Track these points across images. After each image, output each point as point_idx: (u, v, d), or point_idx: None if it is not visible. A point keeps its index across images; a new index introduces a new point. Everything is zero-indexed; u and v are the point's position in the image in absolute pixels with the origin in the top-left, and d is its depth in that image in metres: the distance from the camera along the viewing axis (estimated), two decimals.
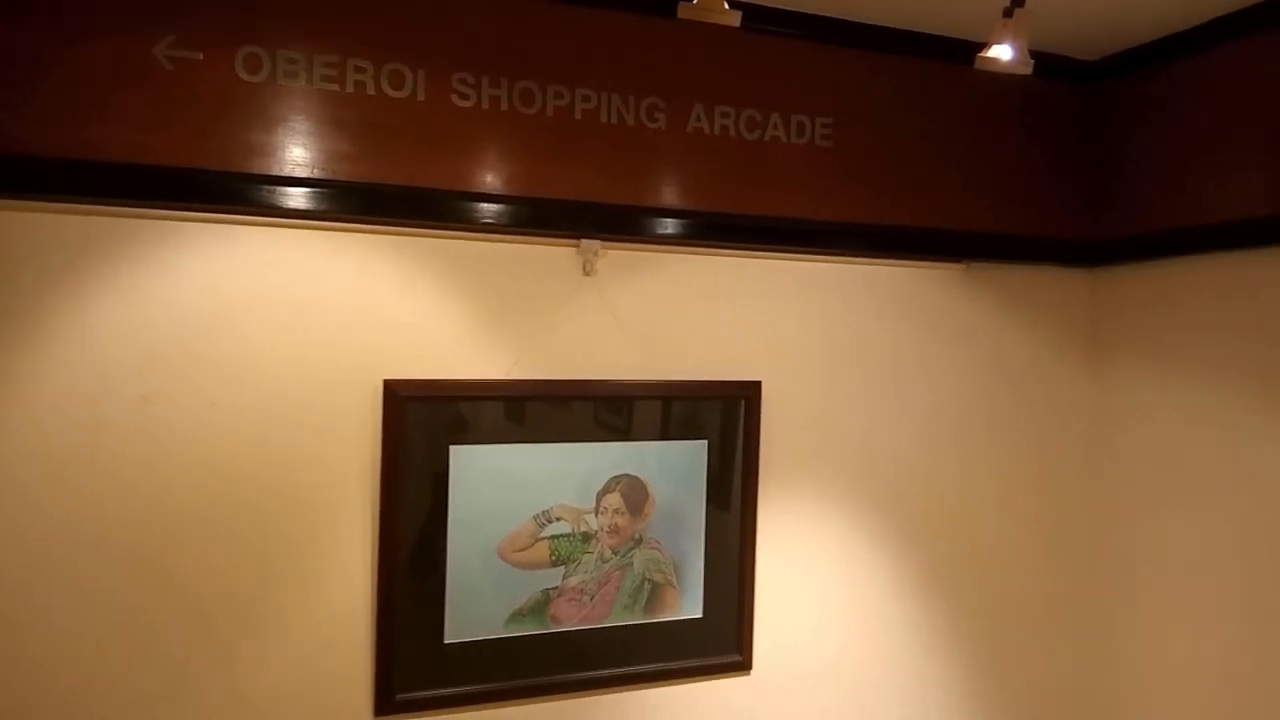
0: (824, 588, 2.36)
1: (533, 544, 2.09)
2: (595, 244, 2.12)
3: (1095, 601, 2.61)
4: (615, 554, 2.16)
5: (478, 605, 2.05)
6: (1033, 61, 1.67)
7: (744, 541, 2.26)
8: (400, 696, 1.98)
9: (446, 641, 2.03)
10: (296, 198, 1.84)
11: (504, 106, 1.99)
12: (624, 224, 2.10)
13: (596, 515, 2.14)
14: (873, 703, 2.40)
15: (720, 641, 2.26)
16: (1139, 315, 2.51)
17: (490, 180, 1.98)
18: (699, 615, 2.24)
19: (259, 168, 1.81)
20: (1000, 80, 2.36)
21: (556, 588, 2.11)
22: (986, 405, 2.53)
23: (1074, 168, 2.50)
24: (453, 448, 2.02)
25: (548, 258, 2.11)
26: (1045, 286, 2.59)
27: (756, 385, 2.27)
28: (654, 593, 2.20)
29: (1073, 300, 2.62)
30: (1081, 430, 2.62)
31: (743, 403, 2.26)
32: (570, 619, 2.13)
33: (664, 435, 2.20)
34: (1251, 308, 2.21)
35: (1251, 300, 2.21)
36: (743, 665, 2.26)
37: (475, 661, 2.05)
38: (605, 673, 2.15)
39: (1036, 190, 2.48)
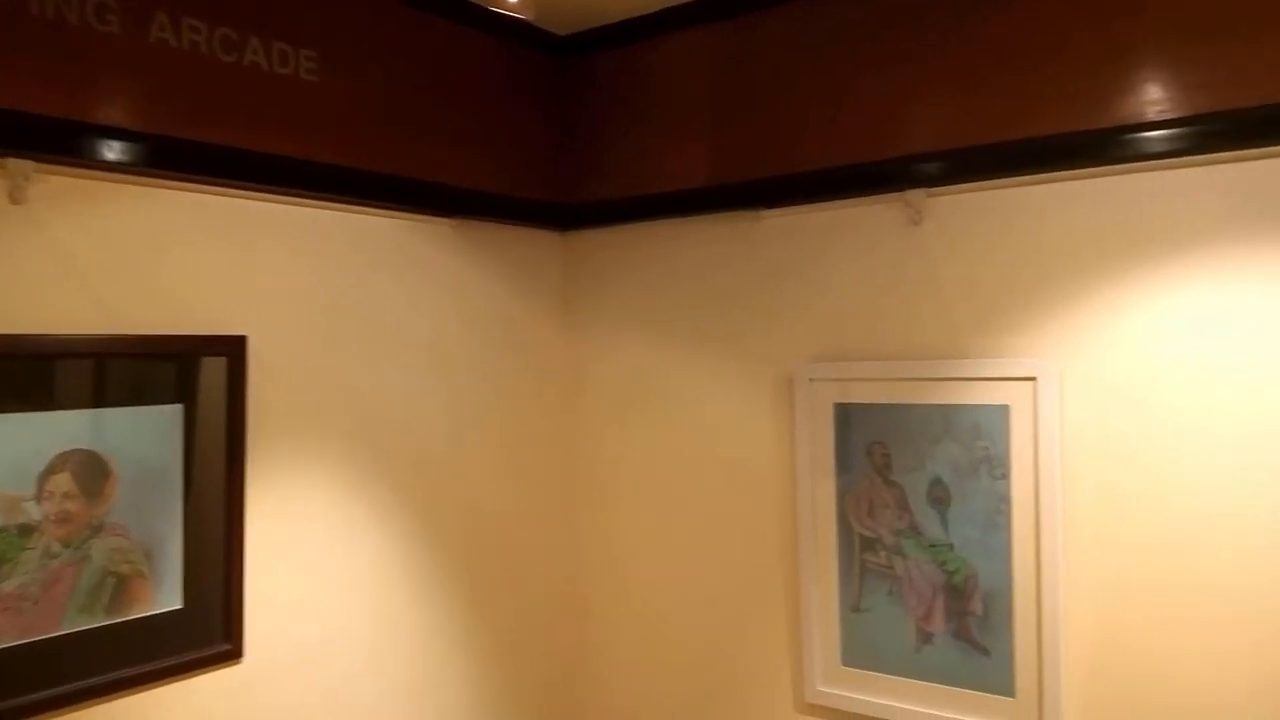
0: (323, 559, 2.20)
1: None
2: (26, 164, 1.70)
3: (577, 525, 2.84)
4: (67, 547, 1.77)
5: None
6: (534, 4, 1.73)
7: (231, 517, 2.01)
8: None
9: None
10: None
11: None
12: (65, 142, 1.72)
13: (39, 502, 1.73)
14: (376, 669, 2.31)
15: (206, 632, 1.98)
16: (603, 273, 2.77)
17: None
18: (179, 606, 1.94)
19: None
20: (487, 44, 2.44)
21: None
22: (474, 360, 2.58)
23: (551, 135, 2.67)
24: None
25: None
26: (525, 246, 2.73)
27: (240, 341, 2.03)
28: (120, 587, 1.85)
29: (548, 260, 2.80)
30: (557, 378, 2.81)
31: (225, 361, 2.01)
32: (8, 632, 1.69)
33: (126, 400, 1.86)
34: (691, 265, 2.57)
35: (691, 259, 2.57)
36: (233, 654, 2.01)
37: None
38: (60, 690, 1.74)
39: (519, 154, 2.59)
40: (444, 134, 2.38)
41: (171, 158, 1.86)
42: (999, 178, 2.09)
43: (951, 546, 2.14)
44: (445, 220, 2.47)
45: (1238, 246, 1.85)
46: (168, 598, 1.93)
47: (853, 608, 2.29)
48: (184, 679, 1.93)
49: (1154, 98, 1.88)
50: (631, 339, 2.71)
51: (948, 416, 2.14)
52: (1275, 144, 1.79)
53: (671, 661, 2.63)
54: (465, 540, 2.54)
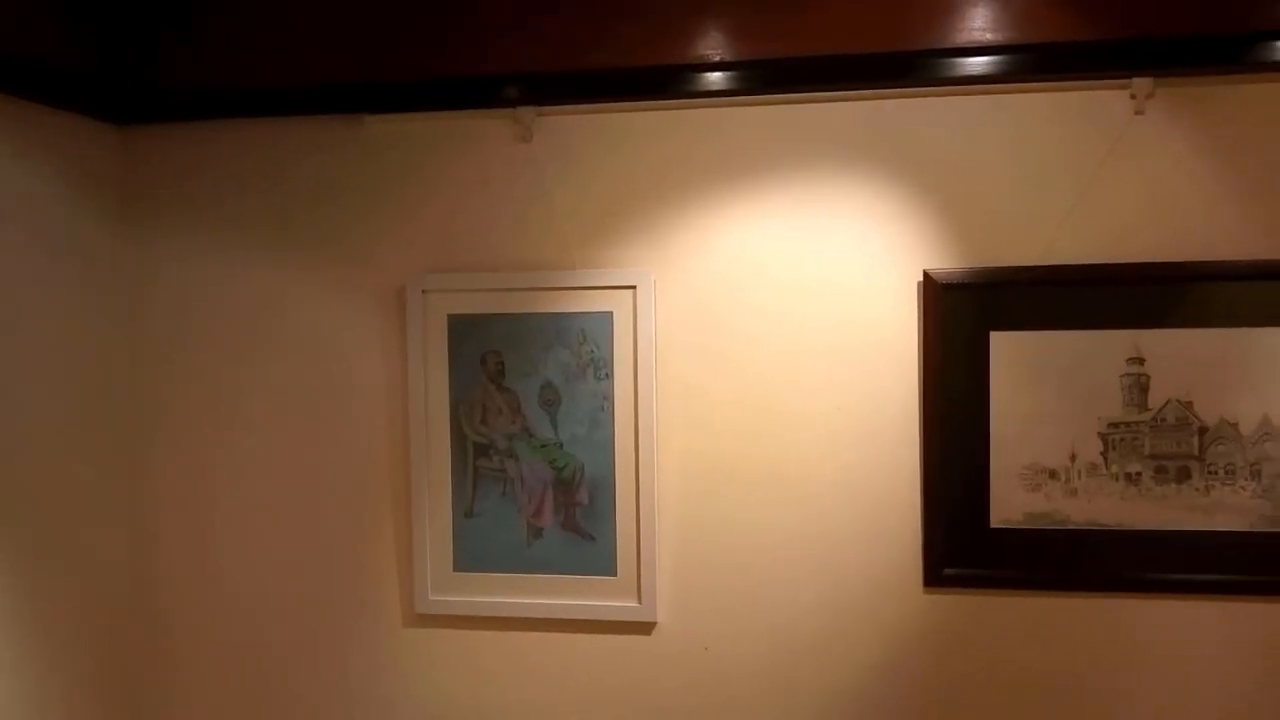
0: None
1: None
2: None
3: (145, 468, 2.51)
4: None
5: None
6: None
7: None
8: None
9: None
10: None
11: None
12: None
13: None
14: None
15: None
16: (176, 175, 2.45)
17: None
18: None
19: None
20: None
21: None
22: (6, 265, 2.14)
23: (110, 13, 2.28)
24: None
25: None
26: (76, 137, 2.31)
27: None
28: None
29: (102, 155, 2.40)
30: (113, 300, 2.44)
31: None
32: None
33: None
34: (289, 172, 2.40)
35: (289, 165, 2.40)
36: None
37: None
38: None
39: (70, 17, 2.17)
40: None
41: None
42: (586, 102, 2.26)
43: (561, 445, 2.30)
44: None
45: (795, 178, 2.22)
46: None
47: (466, 513, 2.34)
48: None
49: (713, 43, 2.12)
50: (215, 256, 2.44)
51: (558, 324, 2.28)
52: (818, 90, 2.18)
53: (269, 602, 2.44)
54: (17, 484, 2.12)
